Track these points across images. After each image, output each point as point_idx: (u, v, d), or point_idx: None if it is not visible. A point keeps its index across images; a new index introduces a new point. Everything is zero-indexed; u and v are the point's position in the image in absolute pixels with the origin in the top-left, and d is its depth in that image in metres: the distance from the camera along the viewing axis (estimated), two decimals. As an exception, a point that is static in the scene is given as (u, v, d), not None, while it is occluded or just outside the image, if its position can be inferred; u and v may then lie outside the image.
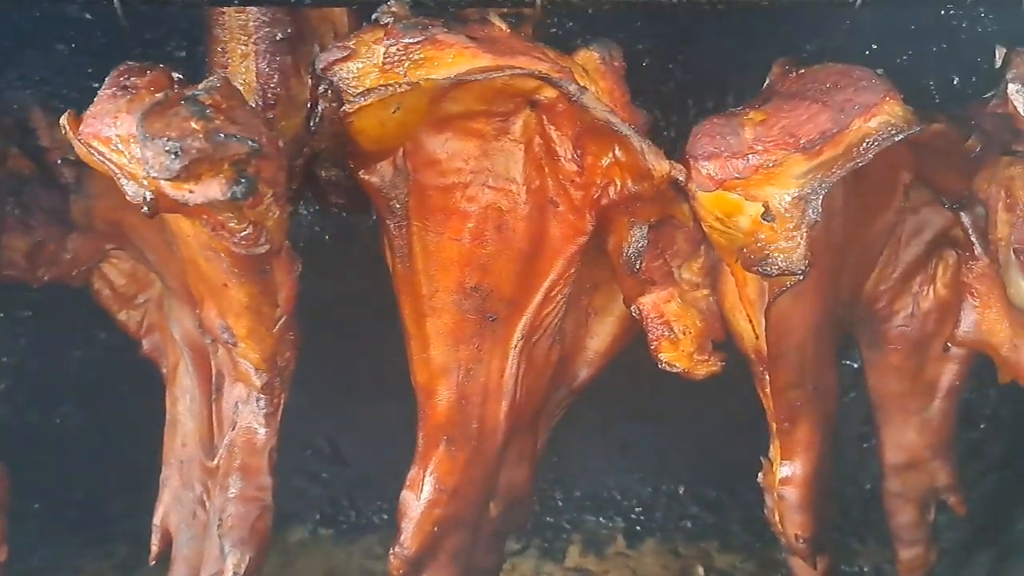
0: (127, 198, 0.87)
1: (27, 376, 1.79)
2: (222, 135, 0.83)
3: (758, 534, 1.86)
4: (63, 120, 0.95)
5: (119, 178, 0.86)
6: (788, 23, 1.41)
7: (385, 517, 1.93)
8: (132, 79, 0.87)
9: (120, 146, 0.85)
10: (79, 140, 0.89)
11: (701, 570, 1.83)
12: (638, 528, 1.93)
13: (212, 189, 0.83)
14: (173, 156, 0.81)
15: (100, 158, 0.87)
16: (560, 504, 1.98)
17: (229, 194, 0.84)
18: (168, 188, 0.84)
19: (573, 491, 1.98)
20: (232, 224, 0.90)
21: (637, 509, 1.96)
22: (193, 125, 0.83)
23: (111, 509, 1.85)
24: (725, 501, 1.92)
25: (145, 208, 0.84)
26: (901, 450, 1.46)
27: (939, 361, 1.39)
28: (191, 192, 0.84)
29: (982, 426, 1.71)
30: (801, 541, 1.42)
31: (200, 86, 0.87)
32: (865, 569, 1.78)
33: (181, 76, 0.90)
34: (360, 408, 1.84)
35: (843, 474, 1.82)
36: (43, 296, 1.73)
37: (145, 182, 0.84)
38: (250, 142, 0.85)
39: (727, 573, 1.82)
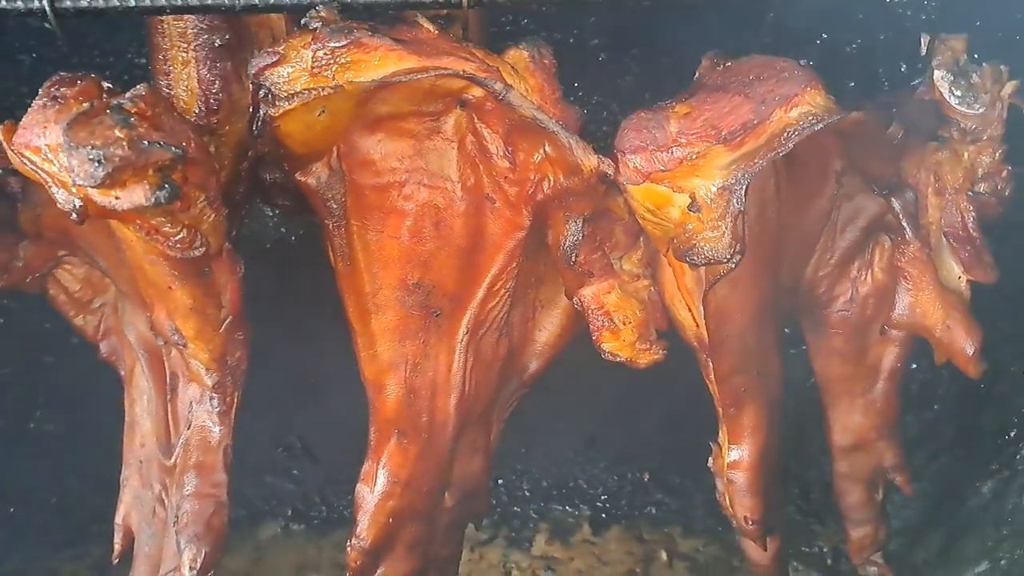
0: (58, 205, 0.90)
1: (-1, 382, 1.83)
2: (145, 142, 0.86)
3: (720, 518, 1.89)
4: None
5: (50, 186, 0.89)
6: (738, 14, 1.43)
7: (356, 512, 1.97)
8: (62, 89, 0.90)
9: (50, 155, 0.88)
10: (12, 150, 0.92)
11: (664, 555, 1.86)
12: (603, 516, 1.97)
13: (136, 195, 0.86)
14: (97, 164, 0.84)
15: (32, 167, 0.90)
16: (527, 494, 2.01)
17: (153, 199, 0.87)
18: (95, 195, 0.87)
19: (540, 481, 2.01)
20: (165, 228, 0.93)
21: (603, 497, 2.00)
22: (117, 133, 0.85)
23: (84, 511, 1.88)
24: (688, 487, 1.95)
25: (74, 215, 0.87)
26: (848, 432, 1.49)
27: (880, 344, 1.41)
28: (117, 198, 0.86)
29: (935, 407, 1.74)
30: (750, 523, 1.44)
31: (126, 95, 0.90)
32: (824, 550, 1.81)
33: (111, 86, 0.93)
34: (330, 405, 1.87)
35: (804, 457, 1.85)
36: (13, 302, 1.77)
37: (74, 190, 0.87)
38: (173, 148, 0.88)
39: (690, 557, 1.85)
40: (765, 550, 1.48)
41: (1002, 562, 1.51)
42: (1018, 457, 1.57)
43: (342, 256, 1.19)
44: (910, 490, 1.49)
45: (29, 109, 0.95)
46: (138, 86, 0.91)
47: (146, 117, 0.88)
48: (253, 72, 1.05)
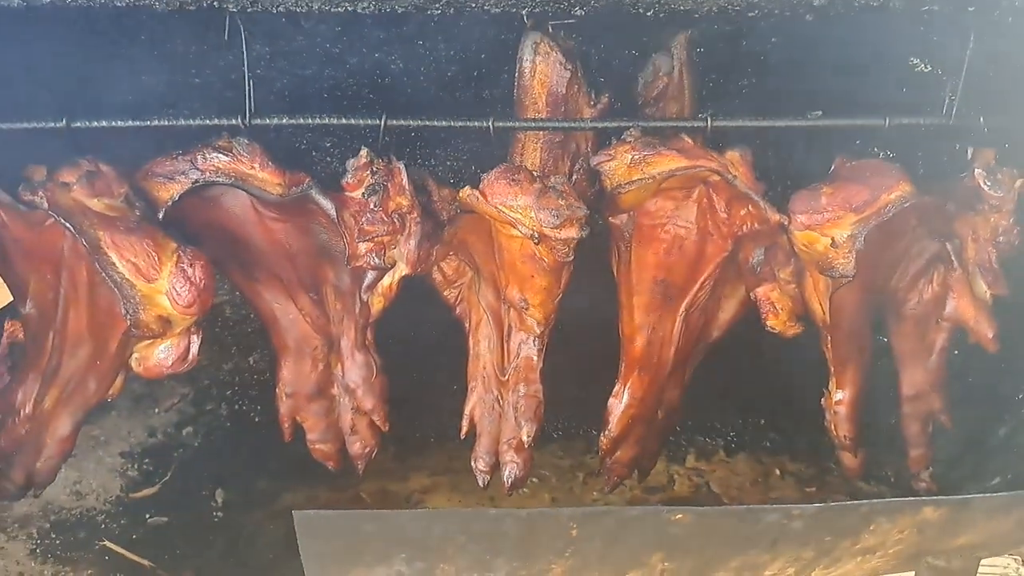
0: (515, 232, 1.79)
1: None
2: (575, 206, 1.75)
3: (814, 449, 2.71)
4: (467, 191, 1.88)
5: (517, 225, 1.78)
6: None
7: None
8: (519, 176, 1.79)
9: (519, 211, 1.77)
10: (489, 204, 1.81)
11: (777, 471, 2.73)
12: (733, 445, 2.83)
13: (571, 232, 1.75)
14: (555, 217, 1.72)
15: (507, 214, 1.79)
16: (679, 429, 2.87)
17: (579, 235, 1.76)
18: (548, 231, 1.76)
19: (687, 420, 2.87)
20: (567, 248, 1.82)
21: (731, 434, 2.86)
22: (560, 201, 1.74)
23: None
24: (792, 428, 2.80)
25: (533, 237, 1.76)
26: (912, 386, 2.29)
27: (935, 331, 2.22)
28: (559, 232, 1.75)
29: (969, 376, 2.54)
30: (848, 440, 2.28)
31: (551, 181, 1.80)
32: (888, 473, 2.65)
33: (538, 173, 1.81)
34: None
35: (879, 411, 2.68)
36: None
37: (534, 229, 1.76)
38: (585, 208, 1.77)
39: (795, 474, 2.72)
40: (856, 458, 2.33)
41: (1008, 476, 2.34)
42: (1023, 411, 2.39)
43: (623, 261, 2.07)
44: (951, 425, 2.33)
45: (489, 180, 1.84)
46: (557, 176, 1.80)
47: (568, 191, 1.77)
48: (594, 163, 1.94)
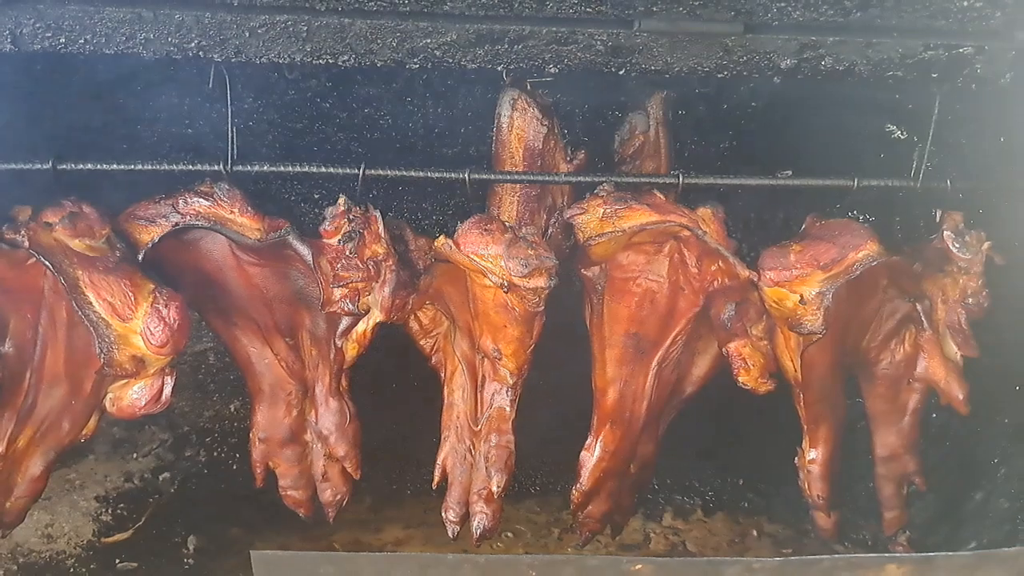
0: (486, 281, 1.82)
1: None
2: (545, 257, 1.78)
3: (793, 511, 2.70)
4: (442, 240, 1.91)
5: (488, 274, 1.81)
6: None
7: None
8: (491, 226, 1.83)
9: (490, 260, 1.80)
10: (462, 253, 1.84)
11: (755, 532, 2.71)
12: (711, 505, 2.82)
13: (540, 281, 1.78)
14: (524, 266, 1.76)
15: (478, 263, 1.82)
16: (657, 487, 2.86)
17: (548, 285, 1.79)
18: (517, 280, 1.79)
19: (665, 479, 2.86)
20: (537, 298, 1.84)
21: (709, 493, 2.85)
22: (529, 251, 1.78)
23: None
24: (770, 490, 2.79)
25: (503, 286, 1.79)
26: (885, 447, 2.30)
27: (907, 391, 2.23)
28: (527, 281, 1.78)
29: (944, 437, 2.55)
30: (821, 500, 2.28)
31: (523, 232, 1.83)
32: (865, 535, 2.63)
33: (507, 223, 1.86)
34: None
35: (853, 472, 2.68)
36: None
37: (503, 278, 1.79)
38: (554, 259, 1.80)
39: (772, 535, 2.70)
40: (829, 519, 2.31)
41: (984, 541, 2.32)
42: (998, 476, 2.39)
43: (596, 314, 2.10)
44: (925, 488, 2.32)
45: (463, 231, 1.88)
46: (529, 228, 1.84)
47: (539, 242, 1.81)
48: (567, 216, 1.97)
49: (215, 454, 2.86)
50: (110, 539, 2.63)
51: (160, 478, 2.81)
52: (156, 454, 2.85)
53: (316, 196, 2.58)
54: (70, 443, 2.12)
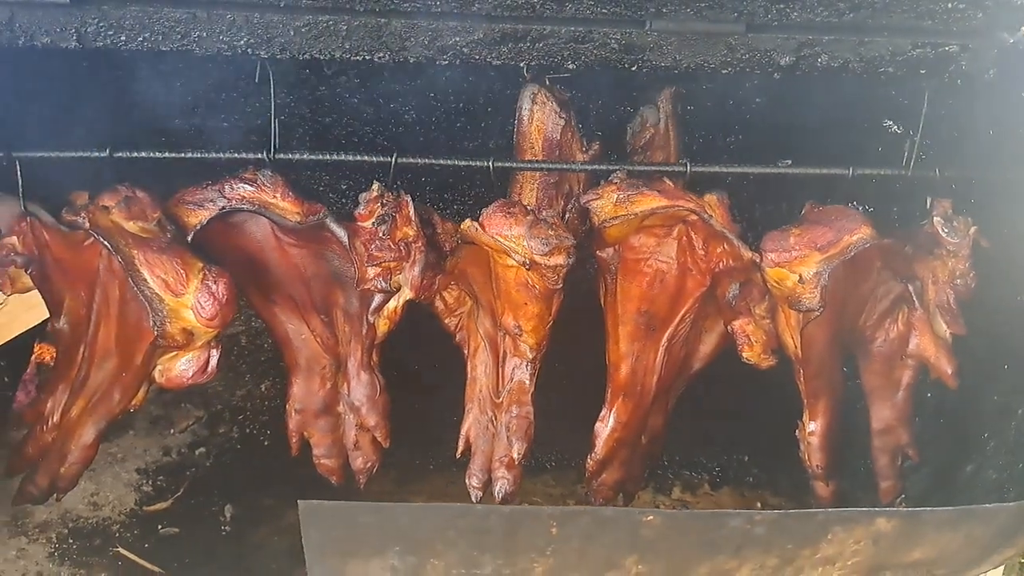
0: (509, 261, 1.98)
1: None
2: (563, 236, 1.95)
3: (793, 485, 2.85)
4: (468, 223, 2.07)
5: (511, 253, 1.97)
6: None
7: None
8: (514, 209, 1.99)
9: (513, 240, 1.96)
10: (487, 234, 2.00)
11: (759, 504, 2.86)
12: (718, 480, 2.97)
13: (560, 259, 1.94)
14: (544, 245, 1.92)
15: (502, 243, 1.98)
16: (666, 463, 3.01)
17: (567, 262, 1.95)
18: (539, 258, 1.95)
19: (675, 455, 3.02)
20: (556, 275, 2.00)
21: (716, 468, 3.00)
22: (549, 231, 1.94)
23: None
24: (773, 465, 2.94)
25: (525, 264, 1.95)
26: (881, 421, 2.43)
27: (901, 367, 2.37)
28: (548, 259, 1.94)
29: (933, 409, 2.68)
30: (820, 469, 2.42)
31: (543, 215, 1.99)
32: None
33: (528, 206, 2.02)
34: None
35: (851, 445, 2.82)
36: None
37: (525, 256, 1.95)
38: (572, 239, 1.96)
39: (776, 507, 2.85)
40: (828, 488, 2.46)
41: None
42: (988, 448, 2.53)
43: (609, 293, 2.26)
44: (918, 459, 2.47)
45: (488, 213, 2.04)
46: (549, 211, 2.00)
47: (558, 224, 1.97)
48: (584, 201, 2.13)
49: (247, 430, 3.03)
50: (152, 507, 2.80)
51: (196, 452, 2.98)
52: (192, 430, 3.02)
53: (343, 187, 2.75)
54: (120, 412, 2.28)
